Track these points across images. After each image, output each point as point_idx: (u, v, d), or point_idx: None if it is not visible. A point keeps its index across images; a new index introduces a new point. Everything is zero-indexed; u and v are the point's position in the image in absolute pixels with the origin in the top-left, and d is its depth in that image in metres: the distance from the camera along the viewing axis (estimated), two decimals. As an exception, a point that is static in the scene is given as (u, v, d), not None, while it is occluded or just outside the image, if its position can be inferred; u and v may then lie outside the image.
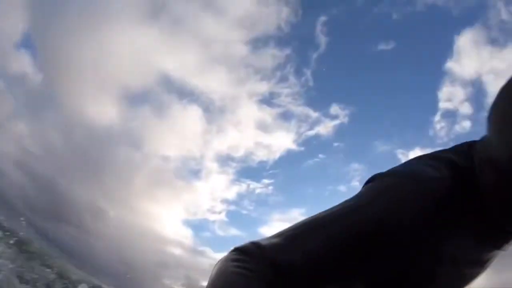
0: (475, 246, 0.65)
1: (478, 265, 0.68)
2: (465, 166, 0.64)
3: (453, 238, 0.62)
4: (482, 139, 0.66)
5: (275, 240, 0.63)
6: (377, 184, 0.66)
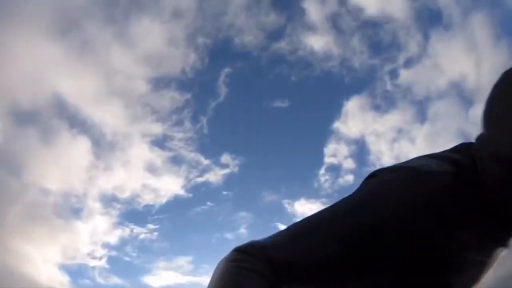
0: (481, 242, 0.64)
1: (483, 262, 0.68)
2: (467, 163, 0.63)
3: (459, 234, 0.61)
4: (479, 139, 0.66)
5: (275, 239, 0.62)
6: (378, 180, 0.65)
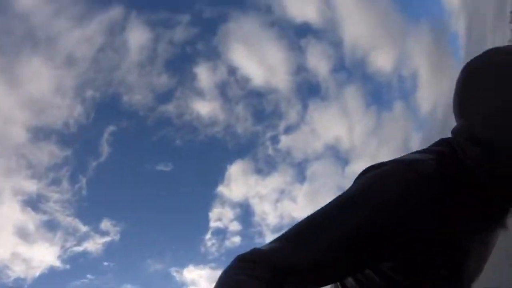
0: (480, 222, 0.66)
1: (486, 241, 0.70)
2: (448, 150, 0.68)
3: (457, 216, 0.63)
4: (454, 130, 0.70)
5: (276, 245, 0.63)
6: (370, 175, 0.66)
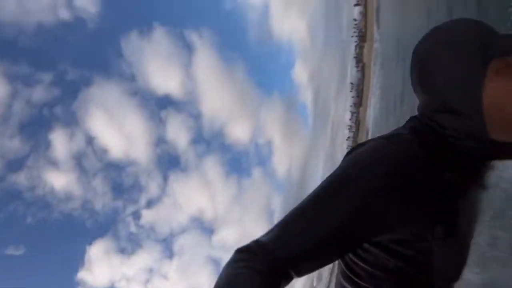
0: (465, 184, 0.70)
1: (473, 202, 0.73)
2: (421, 124, 0.71)
3: (442, 183, 0.66)
4: (419, 106, 0.74)
5: (274, 235, 0.64)
6: (354, 153, 0.69)
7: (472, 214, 0.74)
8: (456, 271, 0.74)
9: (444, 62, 0.68)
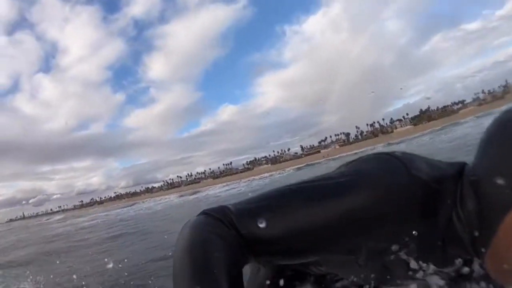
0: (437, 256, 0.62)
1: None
2: (453, 179, 0.61)
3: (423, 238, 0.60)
4: (468, 167, 0.63)
5: (245, 209, 0.62)
6: (359, 162, 0.64)
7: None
8: None
9: None
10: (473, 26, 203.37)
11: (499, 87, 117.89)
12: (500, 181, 0.53)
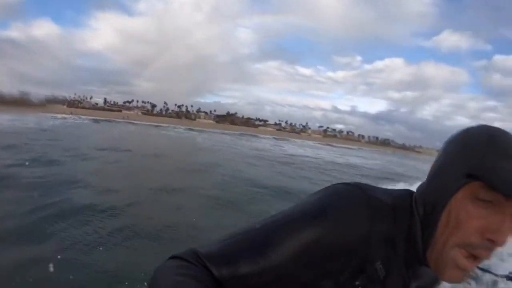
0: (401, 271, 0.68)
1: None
2: (405, 202, 0.69)
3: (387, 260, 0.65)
4: (422, 184, 0.71)
5: (214, 251, 0.63)
6: (326, 191, 0.67)
7: None
8: None
9: (448, 159, 0.65)
10: (305, 71, 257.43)
11: (299, 124, 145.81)
12: (438, 179, 0.64)
